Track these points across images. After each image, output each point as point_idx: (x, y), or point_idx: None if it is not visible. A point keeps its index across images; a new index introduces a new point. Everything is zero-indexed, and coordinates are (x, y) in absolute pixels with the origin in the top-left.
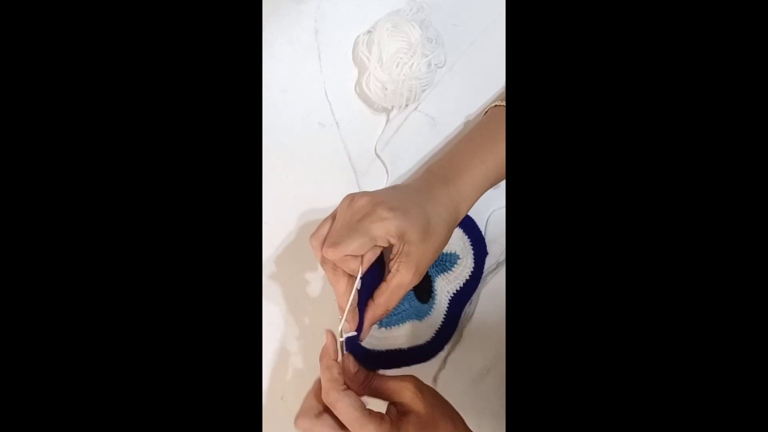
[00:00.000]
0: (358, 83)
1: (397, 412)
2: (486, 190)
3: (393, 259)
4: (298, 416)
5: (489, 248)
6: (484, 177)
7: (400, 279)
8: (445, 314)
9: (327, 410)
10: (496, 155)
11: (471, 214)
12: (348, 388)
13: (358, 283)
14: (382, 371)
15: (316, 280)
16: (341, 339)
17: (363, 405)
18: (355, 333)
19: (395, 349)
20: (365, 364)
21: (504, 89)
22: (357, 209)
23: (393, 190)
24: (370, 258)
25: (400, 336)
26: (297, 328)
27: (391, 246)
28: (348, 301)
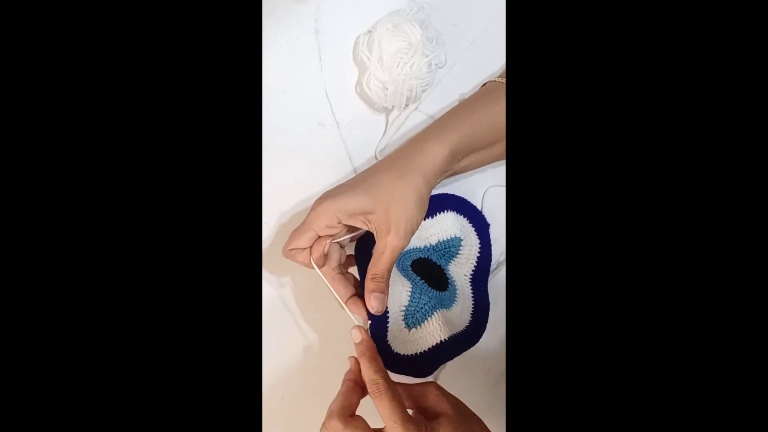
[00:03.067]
0: (359, 83)
1: (425, 417)
2: (462, 135)
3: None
4: (330, 416)
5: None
6: (451, 119)
7: (377, 246)
8: (472, 297)
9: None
10: (476, 118)
11: (464, 195)
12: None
13: (318, 271)
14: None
15: (316, 280)
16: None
17: (404, 404)
18: (369, 322)
19: (437, 344)
20: (412, 371)
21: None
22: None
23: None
24: (318, 249)
25: (435, 330)
26: (297, 328)
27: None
28: (333, 292)
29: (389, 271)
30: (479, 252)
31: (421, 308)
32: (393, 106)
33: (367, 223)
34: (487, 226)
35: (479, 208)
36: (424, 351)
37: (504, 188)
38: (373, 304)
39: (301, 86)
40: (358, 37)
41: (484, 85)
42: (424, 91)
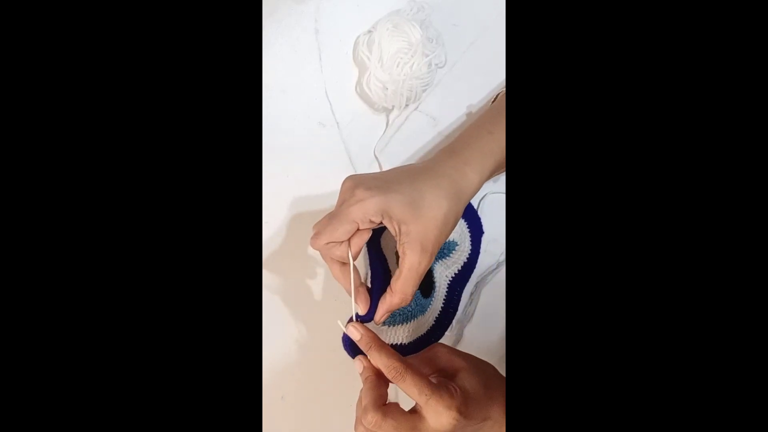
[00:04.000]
0: (359, 83)
1: (445, 377)
2: (497, 161)
3: (398, 243)
4: (366, 411)
5: (489, 248)
6: (492, 144)
7: (409, 261)
8: (444, 299)
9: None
10: (504, 128)
11: None
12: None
13: (352, 267)
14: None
15: (317, 279)
16: (345, 324)
17: (426, 377)
18: (362, 316)
19: (394, 344)
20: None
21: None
22: (341, 193)
23: (388, 170)
24: (358, 242)
25: (401, 334)
26: (297, 328)
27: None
28: (351, 285)
29: (416, 289)
30: (467, 258)
31: (403, 312)
32: (393, 106)
33: (398, 232)
34: (481, 233)
35: (478, 208)
36: None
37: (499, 195)
38: (380, 318)
39: (301, 86)
40: (358, 37)
41: (496, 96)
42: (424, 91)
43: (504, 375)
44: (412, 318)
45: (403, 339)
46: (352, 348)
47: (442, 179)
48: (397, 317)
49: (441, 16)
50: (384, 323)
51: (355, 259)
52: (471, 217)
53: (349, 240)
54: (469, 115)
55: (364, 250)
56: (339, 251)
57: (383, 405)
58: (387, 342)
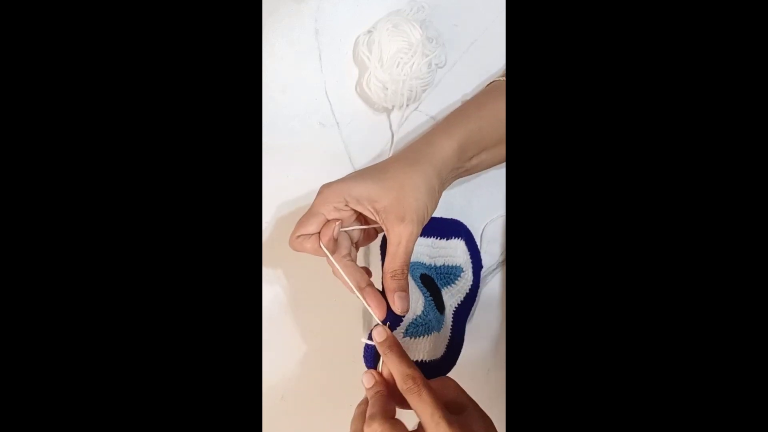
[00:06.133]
0: (359, 83)
1: (450, 411)
2: (470, 129)
3: (381, 225)
4: (372, 418)
5: (489, 247)
6: (461, 116)
7: (393, 235)
8: (451, 328)
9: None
10: (483, 114)
11: (468, 224)
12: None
13: (329, 257)
14: None
15: (317, 279)
16: (367, 340)
17: (442, 402)
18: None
19: (417, 361)
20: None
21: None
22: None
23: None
24: (327, 232)
25: (423, 348)
26: (297, 328)
27: (365, 219)
28: (346, 280)
29: (408, 264)
30: (470, 289)
31: (426, 324)
32: (393, 106)
33: (374, 213)
34: (480, 267)
35: (480, 237)
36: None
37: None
38: (398, 304)
39: (301, 86)
40: (358, 37)
41: (489, 84)
42: (424, 91)
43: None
44: (432, 330)
45: (424, 355)
46: (373, 361)
47: (407, 152)
48: (419, 328)
49: (441, 16)
50: (405, 334)
51: (332, 251)
52: (473, 248)
53: (319, 233)
54: (464, 97)
55: (364, 251)
56: (308, 244)
57: (392, 418)
58: (411, 356)
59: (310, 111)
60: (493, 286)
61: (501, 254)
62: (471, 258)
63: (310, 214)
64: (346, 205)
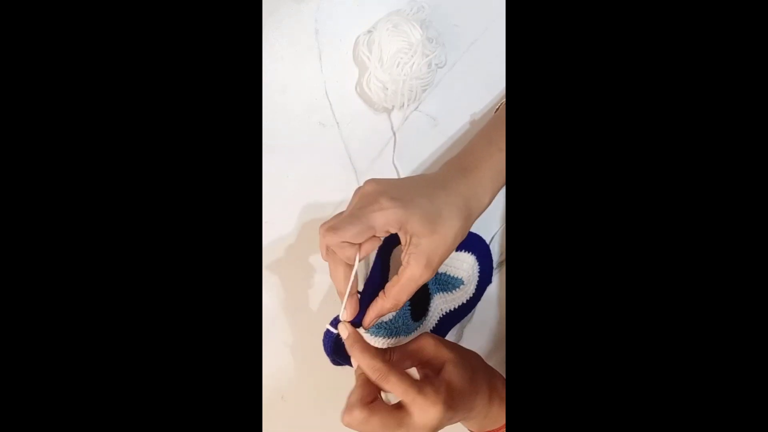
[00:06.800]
0: (359, 83)
1: (431, 369)
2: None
3: (404, 251)
4: (351, 408)
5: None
6: (503, 164)
7: (411, 272)
8: (431, 330)
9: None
10: None
11: (480, 233)
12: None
13: (355, 271)
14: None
15: (317, 279)
16: (333, 330)
17: (410, 376)
18: (348, 321)
19: None
20: (342, 358)
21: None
22: (362, 196)
23: (406, 179)
24: (368, 248)
25: (381, 345)
26: (297, 328)
27: (399, 239)
28: (346, 288)
29: (406, 302)
30: (467, 300)
31: (391, 328)
32: (393, 106)
33: (408, 240)
34: (488, 283)
35: (495, 259)
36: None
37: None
38: (367, 322)
39: (301, 86)
40: (358, 37)
41: (501, 103)
42: (424, 91)
43: (488, 365)
44: (395, 335)
45: None
46: (334, 352)
47: (457, 198)
48: (382, 329)
49: (441, 16)
50: (368, 331)
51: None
52: (485, 261)
53: (360, 244)
54: (473, 116)
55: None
56: (349, 252)
57: (369, 403)
58: None
59: (310, 111)
60: (493, 286)
61: (501, 254)
62: (479, 273)
63: (363, 222)
64: (398, 231)
